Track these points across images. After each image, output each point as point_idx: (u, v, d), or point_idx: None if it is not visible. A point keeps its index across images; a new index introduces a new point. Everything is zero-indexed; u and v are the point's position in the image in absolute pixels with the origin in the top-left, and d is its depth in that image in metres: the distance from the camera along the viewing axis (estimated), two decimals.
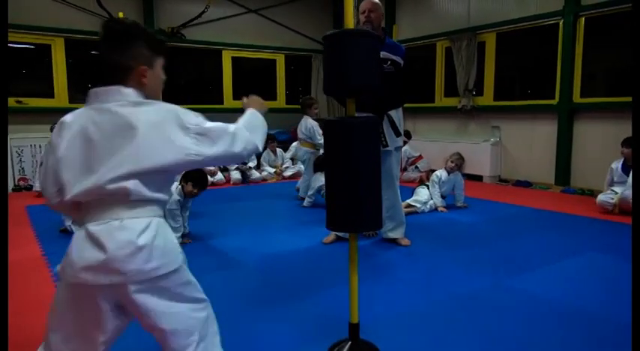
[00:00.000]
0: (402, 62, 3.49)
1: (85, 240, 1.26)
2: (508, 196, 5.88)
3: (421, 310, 2.48)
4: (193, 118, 1.36)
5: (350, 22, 1.72)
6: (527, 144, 6.80)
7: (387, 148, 3.49)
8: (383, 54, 3.36)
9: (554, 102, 6.36)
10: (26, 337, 2.15)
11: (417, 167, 7.22)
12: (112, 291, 1.26)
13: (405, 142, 5.57)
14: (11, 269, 3.16)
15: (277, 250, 3.59)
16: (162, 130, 1.30)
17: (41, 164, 4.05)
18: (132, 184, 1.25)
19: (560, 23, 6.20)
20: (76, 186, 1.27)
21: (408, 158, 7.24)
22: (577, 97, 6.17)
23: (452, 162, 5.09)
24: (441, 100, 8.01)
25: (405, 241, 3.70)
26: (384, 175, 3.52)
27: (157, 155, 1.28)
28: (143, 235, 1.25)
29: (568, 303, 2.56)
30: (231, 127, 1.42)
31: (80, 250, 1.25)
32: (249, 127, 1.48)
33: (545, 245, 3.69)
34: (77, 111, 1.35)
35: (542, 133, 6.57)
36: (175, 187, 3.69)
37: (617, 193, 4.81)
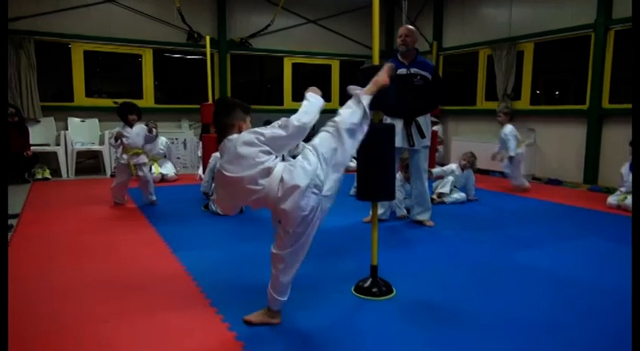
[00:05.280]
0: (430, 76, 4.28)
1: None
2: (538, 192, 6.45)
3: (436, 270, 3.21)
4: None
5: (376, 59, 2.60)
6: (559, 145, 7.34)
7: (415, 148, 4.30)
8: (414, 70, 4.20)
9: (584, 107, 6.88)
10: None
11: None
12: None
13: (434, 123, 6.71)
14: (139, 244, 4.23)
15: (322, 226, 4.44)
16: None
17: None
18: None
19: (593, 35, 6.71)
20: None
21: (441, 138, 8.76)
22: (605, 103, 6.68)
23: (465, 160, 5.74)
24: (482, 104, 8.64)
25: (430, 223, 4.50)
26: (413, 168, 4.39)
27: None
28: None
29: (562, 271, 3.19)
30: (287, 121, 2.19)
31: None
32: (301, 113, 2.23)
33: (554, 231, 4.37)
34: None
35: (573, 136, 7.09)
36: None
37: (623, 193, 5.37)
